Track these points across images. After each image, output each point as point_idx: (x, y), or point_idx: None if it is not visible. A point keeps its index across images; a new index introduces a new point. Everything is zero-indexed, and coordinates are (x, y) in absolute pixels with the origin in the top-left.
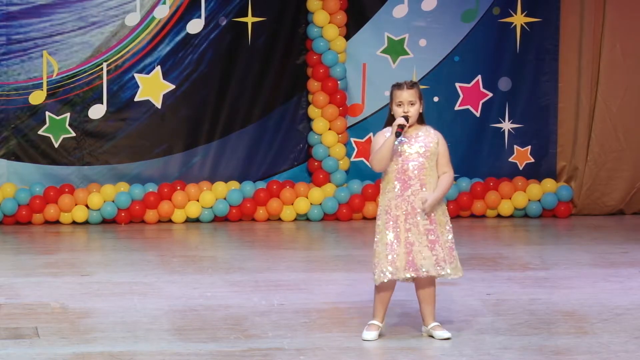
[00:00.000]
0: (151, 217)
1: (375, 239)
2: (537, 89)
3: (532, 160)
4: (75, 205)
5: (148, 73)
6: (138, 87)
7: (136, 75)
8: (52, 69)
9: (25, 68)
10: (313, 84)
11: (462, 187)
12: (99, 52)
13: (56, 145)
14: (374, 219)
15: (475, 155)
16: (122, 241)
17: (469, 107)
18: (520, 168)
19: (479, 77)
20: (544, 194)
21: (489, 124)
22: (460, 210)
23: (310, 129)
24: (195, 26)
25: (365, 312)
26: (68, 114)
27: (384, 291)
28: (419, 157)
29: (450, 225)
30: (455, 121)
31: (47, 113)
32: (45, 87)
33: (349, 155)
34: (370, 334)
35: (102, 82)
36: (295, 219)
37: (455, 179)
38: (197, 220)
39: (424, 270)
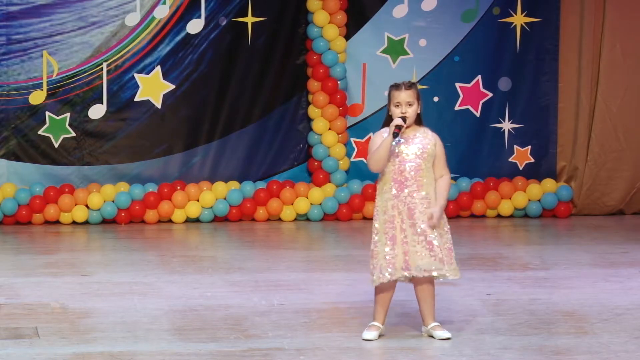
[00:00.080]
0: (151, 217)
1: (373, 240)
2: (537, 89)
3: (532, 160)
4: (75, 205)
5: (148, 73)
6: (138, 87)
7: (136, 75)
8: (52, 69)
9: (25, 68)
10: (313, 84)
11: (462, 187)
12: (99, 52)
13: (56, 145)
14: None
15: (475, 155)
16: (122, 241)
17: (469, 107)
18: (520, 168)
19: (479, 77)
20: (544, 194)
21: (489, 124)
22: (460, 210)
23: (310, 129)
24: (195, 26)
25: (365, 312)
26: (68, 114)
27: (384, 292)
28: (416, 158)
29: (449, 227)
30: (455, 121)
31: (47, 113)
32: (45, 87)
33: (349, 155)
34: (370, 334)
35: (102, 82)
36: (295, 219)
37: (455, 179)
38: (197, 220)
39: (422, 270)
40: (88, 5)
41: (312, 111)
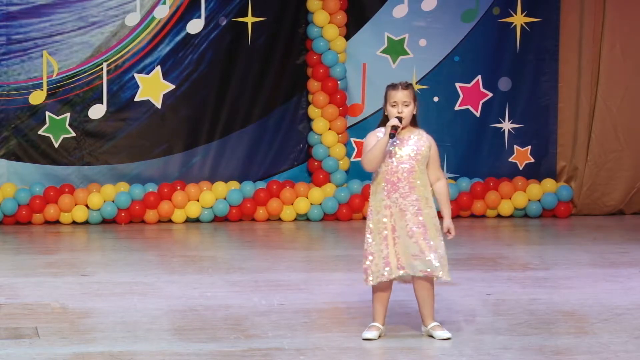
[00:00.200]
0: (151, 217)
1: (367, 240)
2: (537, 89)
3: (532, 160)
4: (75, 205)
5: (148, 73)
6: (138, 87)
7: (136, 75)
8: (52, 69)
9: (25, 68)
10: (313, 84)
11: (462, 187)
12: (99, 52)
13: (56, 145)
14: None
15: (475, 155)
16: (122, 241)
17: (469, 107)
18: (520, 168)
19: (479, 77)
20: (544, 194)
21: (489, 124)
22: (460, 210)
23: (310, 129)
24: (195, 26)
25: (365, 312)
26: (68, 114)
27: (381, 292)
28: (410, 159)
29: (441, 231)
30: (455, 121)
31: (47, 113)
32: (45, 87)
33: (349, 155)
34: (370, 334)
35: (102, 82)
36: (295, 219)
37: (455, 179)
38: (197, 220)
39: (418, 270)
40: (88, 5)
41: (312, 111)
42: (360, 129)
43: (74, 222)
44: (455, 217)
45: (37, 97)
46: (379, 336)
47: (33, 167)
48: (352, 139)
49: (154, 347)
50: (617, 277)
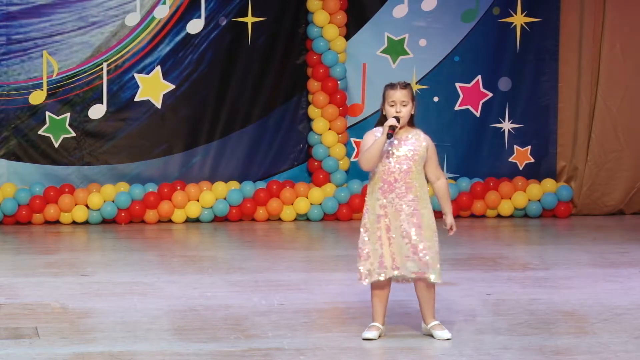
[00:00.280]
0: (151, 217)
1: (362, 239)
2: (537, 89)
3: (532, 160)
4: (75, 205)
5: (148, 73)
6: (138, 87)
7: (136, 75)
8: (52, 69)
9: (25, 68)
10: (313, 84)
11: (462, 187)
12: (99, 52)
13: (56, 145)
14: None
15: (475, 155)
16: (122, 241)
17: (469, 107)
18: (520, 168)
19: (479, 77)
20: (544, 194)
21: (489, 124)
22: (460, 210)
23: (310, 129)
24: (195, 26)
25: (365, 312)
26: (68, 114)
27: (379, 291)
28: (407, 160)
29: (437, 232)
30: (455, 121)
31: (47, 113)
32: (45, 87)
33: (349, 155)
34: (370, 333)
35: (102, 82)
36: (295, 219)
37: (455, 179)
38: (197, 220)
39: (411, 272)
40: (88, 5)
41: (312, 111)
42: (360, 129)
43: (74, 222)
44: (455, 217)
45: (37, 97)
46: (379, 336)
47: (33, 167)
48: (352, 139)
49: (154, 347)
50: (617, 277)
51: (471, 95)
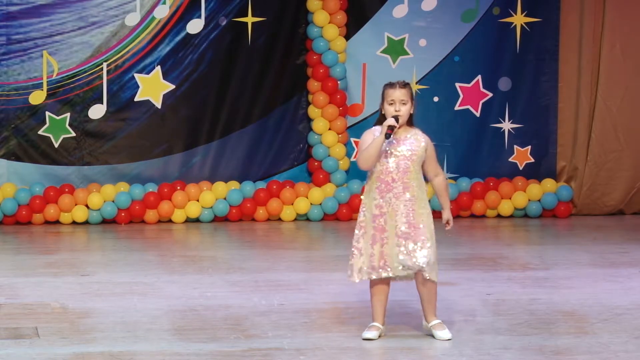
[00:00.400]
0: (151, 217)
1: (356, 236)
2: (537, 89)
3: (532, 160)
4: (75, 205)
5: (148, 73)
6: (138, 87)
7: (136, 75)
8: (52, 69)
9: (25, 68)
10: (313, 84)
11: (462, 187)
12: (99, 52)
13: (56, 145)
14: None
15: (475, 155)
16: (122, 241)
17: (469, 107)
18: (520, 168)
19: (479, 77)
20: (544, 194)
21: (489, 124)
22: (460, 210)
23: (310, 129)
24: (195, 26)
25: (365, 312)
26: (68, 114)
27: (379, 290)
28: (405, 159)
29: (434, 232)
30: (455, 121)
31: (47, 113)
32: (45, 87)
33: (349, 155)
34: (370, 333)
35: (102, 82)
36: (295, 219)
37: (455, 179)
38: (197, 220)
39: (402, 271)
40: (88, 5)
41: (312, 111)
42: (360, 129)
43: (74, 222)
44: (455, 217)
45: (37, 97)
46: (379, 336)
47: (33, 167)
48: (352, 139)
49: (154, 347)
50: (617, 277)
51: (471, 95)
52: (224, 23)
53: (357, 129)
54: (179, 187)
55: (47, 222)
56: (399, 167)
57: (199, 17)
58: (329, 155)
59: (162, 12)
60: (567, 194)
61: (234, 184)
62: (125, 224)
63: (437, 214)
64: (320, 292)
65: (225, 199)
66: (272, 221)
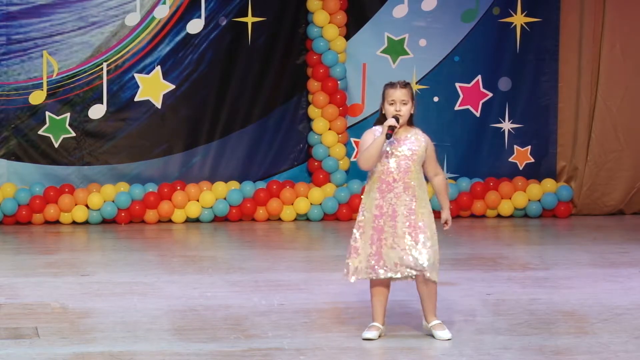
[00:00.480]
0: (151, 217)
1: (354, 236)
2: (537, 89)
3: (532, 160)
4: (75, 205)
5: (148, 73)
6: (138, 87)
7: (136, 75)
8: (52, 69)
9: (25, 68)
10: (313, 84)
11: (462, 187)
12: (99, 52)
13: (56, 145)
14: None
15: (475, 155)
16: (122, 241)
17: (469, 107)
18: (520, 168)
19: (479, 77)
20: (544, 194)
21: (489, 124)
22: (460, 210)
23: (310, 129)
24: (195, 26)
25: (365, 312)
26: (68, 114)
27: (379, 290)
28: (406, 159)
29: (436, 232)
30: (455, 121)
31: (47, 113)
32: (45, 87)
33: (349, 155)
34: (370, 333)
35: (102, 82)
36: (295, 219)
37: (455, 179)
38: (197, 220)
39: (401, 270)
40: (88, 5)
41: (312, 111)
42: (360, 129)
43: (74, 222)
44: (455, 217)
45: (37, 97)
46: (379, 336)
47: (33, 167)
48: (352, 139)
49: (154, 347)
50: (617, 277)
51: (471, 95)
52: (224, 23)
53: (357, 129)
54: (179, 187)
55: (47, 222)
56: (399, 167)
57: (199, 17)
58: (329, 155)
59: (162, 12)
60: (567, 194)
61: (234, 184)
62: (125, 224)
63: (436, 214)
64: (320, 292)
65: (225, 199)
66: (272, 221)
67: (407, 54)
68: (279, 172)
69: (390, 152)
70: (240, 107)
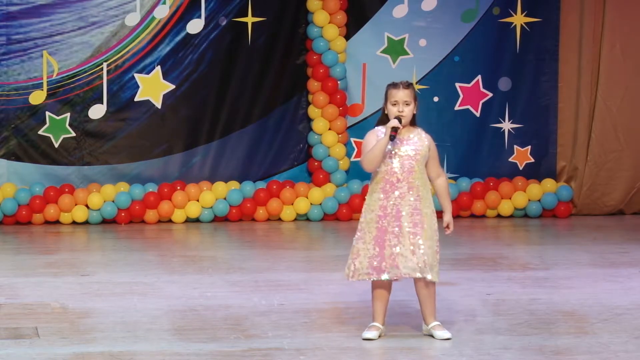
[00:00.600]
0: (151, 217)
1: (356, 236)
2: (537, 89)
3: (532, 160)
4: (75, 205)
5: (148, 73)
6: (138, 87)
7: (136, 75)
8: (52, 69)
9: (25, 68)
10: (313, 84)
11: (462, 187)
12: (99, 52)
13: (56, 145)
14: None
15: (475, 155)
16: (122, 241)
17: (469, 107)
18: (520, 168)
19: (479, 77)
20: (544, 194)
21: (489, 124)
22: (460, 210)
23: (310, 129)
24: (195, 26)
25: (365, 312)
26: (68, 114)
27: (379, 290)
28: (409, 159)
29: (437, 232)
30: (455, 121)
31: (47, 113)
32: (45, 87)
33: (349, 155)
34: (370, 334)
35: (102, 82)
36: (295, 219)
37: (455, 179)
38: (197, 220)
39: (403, 273)
40: (88, 5)
41: (312, 111)
42: (360, 129)
43: (74, 222)
44: (455, 217)
45: (37, 97)
46: (379, 336)
47: (33, 167)
48: (352, 139)
49: (154, 347)
50: (617, 277)
51: (471, 95)
52: (224, 23)
53: (357, 129)
54: (179, 187)
55: (47, 222)
56: (403, 167)
57: (199, 17)
58: (329, 155)
59: (162, 12)
60: (567, 194)
61: (234, 184)
62: (125, 224)
63: (438, 214)
64: (320, 292)
65: (225, 199)
66: (272, 221)
67: (407, 54)
68: (279, 172)
69: (393, 152)
70: (240, 107)
